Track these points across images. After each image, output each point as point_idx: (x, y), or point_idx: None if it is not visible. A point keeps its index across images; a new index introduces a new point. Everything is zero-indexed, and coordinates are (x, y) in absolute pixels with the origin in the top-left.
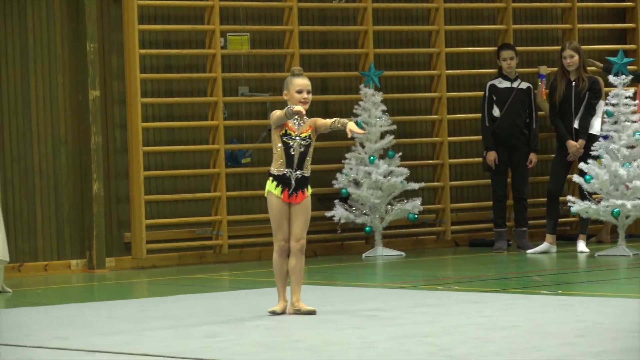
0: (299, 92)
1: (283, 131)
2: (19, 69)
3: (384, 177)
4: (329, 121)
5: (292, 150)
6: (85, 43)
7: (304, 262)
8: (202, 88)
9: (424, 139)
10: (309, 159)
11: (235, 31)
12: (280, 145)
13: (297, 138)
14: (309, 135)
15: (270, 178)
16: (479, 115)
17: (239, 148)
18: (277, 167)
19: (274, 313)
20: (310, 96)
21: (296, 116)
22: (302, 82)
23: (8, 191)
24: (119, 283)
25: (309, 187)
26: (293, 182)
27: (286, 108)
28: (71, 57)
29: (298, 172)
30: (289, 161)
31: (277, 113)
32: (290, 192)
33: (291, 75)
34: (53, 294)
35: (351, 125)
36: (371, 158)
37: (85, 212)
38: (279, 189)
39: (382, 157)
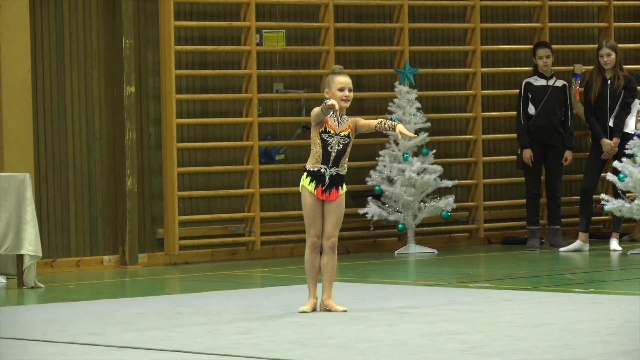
0: (341, 89)
1: (322, 128)
2: (55, 64)
3: (418, 174)
4: (373, 122)
5: (329, 147)
6: (121, 38)
7: (336, 259)
8: (237, 85)
9: (458, 136)
10: (345, 157)
11: (270, 28)
12: (318, 142)
13: (336, 136)
14: (348, 134)
15: (305, 173)
16: (513, 113)
17: (272, 145)
18: (312, 163)
19: (303, 312)
20: (351, 94)
21: (331, 111)
22: (343, 79)
23: (42, 186)
24: (152, 279)
25: (344, 185)
26: (327, 179)
27: (322, 103)
28: (107, 52)
29: (333, 170)
30: (325, 158)
31: (315, 110)
32: (323, 188)
33: (332, 73)
34: (85, 289)
35: (401, 128)
36: (405, 155)
37: (118, 208)
38: (313, 184)
39: (415, 154)
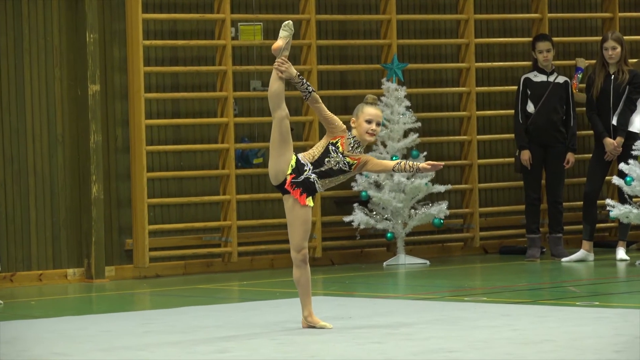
0: (368, 122)
1: (335, 141)
2: (13, 61)
3: (407, 179)
4: (391, 163)
5: (327, 159)
6: (85, 33)
7: (309, 272)
8: (210, 82)
9: (451, 137)
10: (332, 182)
11: (247, 20)
12: (322, 148)
13: (341, 156)
14: (352, 165)
15: (294, 158)
16: (510, 111)
17: (250, 147)
18: (305, 156)
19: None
20: (379, 129)
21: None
22: (374, 112)
23: (0, 193)
24: (120, 294)
25: (312, 199)
26: (309, 179)
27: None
28: (69, 48)
29: (313, 176)
30: (317, 163)
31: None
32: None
33: (364, 102)
34: (48, 305)
35: (423, 165)
36: (394, 158)
37: (83, 217)
38: (310, 199)
39: (405, 156)
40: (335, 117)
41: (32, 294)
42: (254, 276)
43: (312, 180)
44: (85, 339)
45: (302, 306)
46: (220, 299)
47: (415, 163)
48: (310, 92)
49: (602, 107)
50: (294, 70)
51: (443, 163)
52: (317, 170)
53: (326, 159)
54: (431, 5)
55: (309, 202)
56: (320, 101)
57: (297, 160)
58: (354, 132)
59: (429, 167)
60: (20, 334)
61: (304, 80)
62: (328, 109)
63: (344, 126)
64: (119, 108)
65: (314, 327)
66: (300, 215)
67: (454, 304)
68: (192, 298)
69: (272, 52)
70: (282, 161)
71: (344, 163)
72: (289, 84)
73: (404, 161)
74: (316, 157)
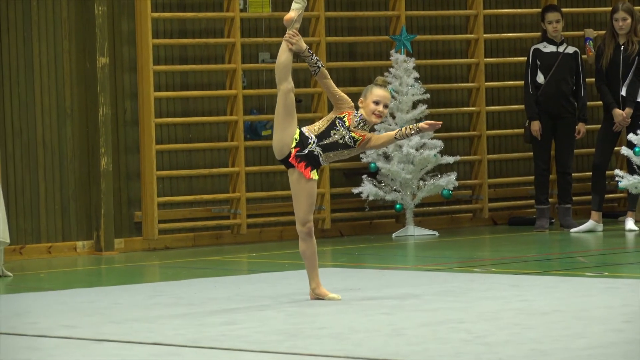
0: (376, 102)
1: (342, 115)
2: (21, 34)
3: (416, 150)
4: (392, 133)
5: (332, 131)
6: (93, 6)
7: (315, 244)
8: (219, 54)
9: (459, 108)
10: (335, 156)
11: None
12: (329, 122)
13: (347, 131)
14: (357, 141)
15: (298, 131)
16: (519, 82)
17: (259, 119)
18: (310, 129)
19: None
20: (386, 111)
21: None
22: (382, 93)
23: (9, 166)
24: (129, 266)
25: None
26: (312, 151)
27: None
28: (77, 21)
29: (318, 149)
30: (322, 135)
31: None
32: (312, 168)
33: (374, 84)
34: (57, 278)
35: (422, 125)
36: None
37: (92, 189)
38: (315, 172)
39: None
40: (344, 95)
41: (41, 266)
42: (263, 248)
43: (316, 153)
44: (94, 311)
45: (309, 279)
46: (230, 270)
47: (414, 125)
48: (319, 67)
49: (611, 78)
50: (304, 44)
51: (440, 122)
52: (321, 143)
53: (332, 131)
54: None
55: (314, 175)
56: (329, 77)
57: (301, 133)
58: (361, 111)
59: (427, 126)
60: (30, 307)
61: (313, 55)
62: (336, 81)
63: (352, 104)
64: (128, 80)
65: (322, 299)
66: (306, 188)
67: (463, 275)
68: (201, 270)
69: (283, 23)
70: (286, 135)
71: (350, 138)
72: (297, 56)
73: (404, 127)
74: (321, 130)
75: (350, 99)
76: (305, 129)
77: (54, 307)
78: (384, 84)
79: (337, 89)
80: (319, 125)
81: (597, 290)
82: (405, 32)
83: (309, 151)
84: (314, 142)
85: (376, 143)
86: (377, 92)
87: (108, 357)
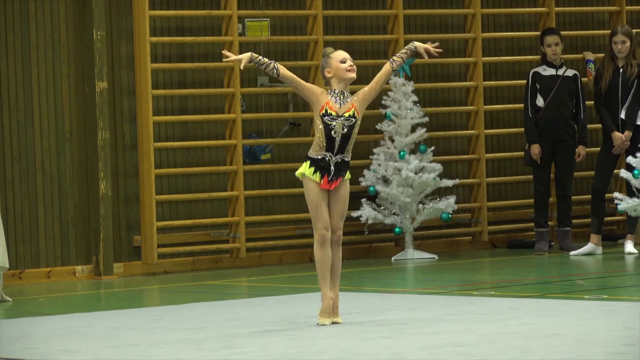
0: (343, 61)
1: (323, 111)
2: (20, 58)
3: (415, 173)
4: (386, 67)
5: (333, 132)
6: (92, 30)
7: (341, 253)
8: (218, 79)
9: (458, 131)
10: (352, 142)
11: (254, 16)
12: (320, 126)
13: (339, 118)
14: (353, 113)
15: (308, 162)
16: (518, 105)
17: (258, 143)
18: (316, 150)
19: (323, 325)
20: (354, 66)
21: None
22: (342, 53)
23: (8, 191)
24: (128, 290)
25: (348, 172)
26: (332, 167)
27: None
28: (76, 45)
29: (338, 157)
30: (329, 144)
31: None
32: (330, 178)
33: (325, 55)
34: (57, 302)
35: (418, 44)
36: (401, 153)
37: (91, 214)
38: (318, 174)
39: (413, 152)
40: (310, 84)
41: (40, 291)
42: (262, 272)
43: (339, 161)
44: (93, 336)
45: (330, 287)
46: (229, 295)
47: (407, 47)
48: (275, 67)
49: (610, 101)
50: (246, 54)
51: (438, 48)
52: (335, 152)
53: (332, 133)
54: (438, 0)
55: (346, 176)
56: (289, 72)
57: (313, 160)
58: (333, 83)
59: (422, 49)
60: (29, 331)
61: (262, 58)
62: None
63: (322, 88)
64: (127, 105)
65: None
66: (343, 195)
67: (463, 299)
68: (200, 294)
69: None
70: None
71: (347, 119)
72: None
73: (397, 56)
74: (324, 139)
75: (316, 86)
76: (313, 154)
77: (53, 332)
78: (331, 51)
79: (301, 81)
80: (318, 137)
81: (597, 314)
82: None
83: (334, 164)
84: (330, 157)
85: (375, 87)
86: (337, 54)
87: None
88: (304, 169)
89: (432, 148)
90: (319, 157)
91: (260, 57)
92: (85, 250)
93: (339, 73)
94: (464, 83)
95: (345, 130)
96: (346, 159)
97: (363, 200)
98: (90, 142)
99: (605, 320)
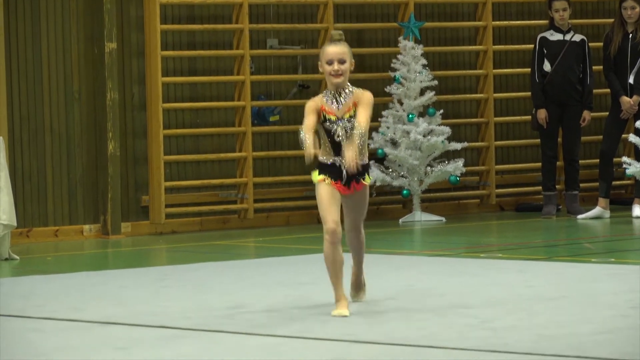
0: (329, 63)
1: (322, 118)
2: (30, 19)
3: (424, 136)
4: (353, 138)
5: (336, 136)
6: None
7: (364, 240)
8: (227, 40)
9: (467, 95)
10: (361, 144)
11: None
12: (323, 133)
13: (340, 121)
14: (355, 113)
15: (317, 171)
16: (527, 70)
17: (266, 105)
18: (325, 155)
19: (344, 316)
20: (345, 66)
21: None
22: (332, 50)
23: (17, 151)
24: (136, 250)
25: (367, 176)
26: (345, 171)
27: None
28: (85, 6)
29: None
30: (336, 149)
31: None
32: (344, 183)
33: (326, 44)
34: (64, 261)
35: (349, 156)
36: (410, 116)
37: (99, 174)
38: (329, 179)
39: (421, 114)
40: (308, 107)
41: (48, 249)
42: (270, 233)
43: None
44: (100, 295)
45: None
46: (236, 255)
47: (349, 147)
48: (306, 137)
49: (619, 66)
50: (309, 150)
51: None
52: (340, 152)
53: (335, 137)
54: None
55: (366, 180)
56: (309, 125)
57: (323, 167)
58: (327, 82)
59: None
60: (36, 289)
61: (306, 140)
62: None
63: (316, 99)
64: (136, 66)
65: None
66: (361, 200)
67: (470, 261)
68: (208, 254)
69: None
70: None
71: (349, 121)
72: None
73: (353, 138)
74: (330, 145)
75: (312, 101)
76: (322, 159)
77: (61, 290)
78: (334, 39)
79: (308, 118)
80: (324, 144)
81: (604, 277)
82: (413, 19)
83: (347, 170)
84: (342, 163)
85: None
86: (327, 52)
87: (114, 340)
88: (314, 177)
89: (441, 111)
90: (329, 162)
91: (306, 140)
92: (93, 209)
93: (326, 76)
94: (474, 47)
95: (349, 132)
96: (361, 162)
97: (371, 162)
98: (99, 102)
99: (611, 284)
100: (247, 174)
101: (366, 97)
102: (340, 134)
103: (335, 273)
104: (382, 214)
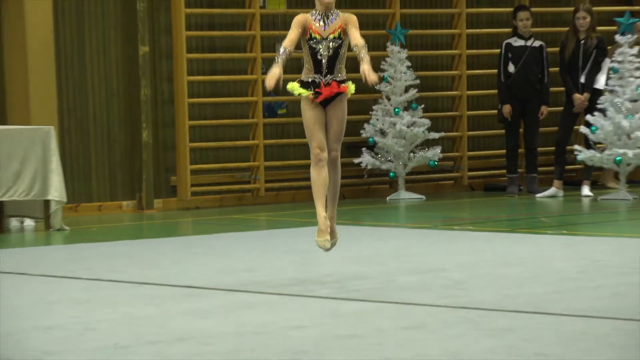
0: None
1: (308, 35)
2: (75, 24)
3: (408, 127)
4: (358, 50)
5: (319, 55)
6: (136, 1)
7: (339, 176)
8: (242, 45)
9: (444, 92)
10: (341, 62)
11: None
12: (307, 51)
13: (324, 41)
14: (339, 35)
15: (297, 84)
16: (494, 71)
17: (275, 100)
18: (305, 74)
19: (325, 248)
20: None
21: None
22: None
23: (65, 139)
24: (166, 222)
25: (351, 84)
26: (323, 85)
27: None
28: (123, 14)
29: (328, 77)
30: (317, 67)
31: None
32: (325, 83)
33: None
34: (106, 232)
35: (367, 72)
36: (396, 110)
37: (135, 158)
38: (306, 90)
39: (406, 109)
40: (295, 20)
41: (93, 221)
42: (279, 208)
43: (329, 80)
44: (138, 259)
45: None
46: (250, 227)
47: (363, 58)
48: (288, 50)
49: (572, 68)
50: (274, 71)
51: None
52: (322, 72)
53: (318, 55)
54: None
55: (347, 86)
56: (291, 40)
57: (303, 82)
58: (316, 4)
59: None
60: (85, 255)
61: (279, 57)
62: None
63: (304, 14)
64: (165, 66)
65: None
66: (339, 110)
67: (446, 232)
68: (227, 226)
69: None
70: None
71: (333, 40)
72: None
73: (362, 55)
74: (311, 63)
75: (300, 15)
76: (303, 77)
77: (105, 255)
78: None
79: (293, 29)
80: (307, 63)
81: (557, 246)
82: (399, 27)
83: (325, 84)
84: (320, 79)
85: (349, 35)
86: None
87: (150, 296)
88: (293, 89)
89: (422, 106)
90: (309, 79)
91: (279, 58)
92: (130, 188)
93: (320, 4)
94: (450, 51)
95: (331, 52)
96: (338, 79)
97: (363, 149)
98: (134, 97)
99: (564, 252)
100: (259, 159)
101: (354, 19)
102: (323, 52)
103: (318, 191)
104: (372, 192)
